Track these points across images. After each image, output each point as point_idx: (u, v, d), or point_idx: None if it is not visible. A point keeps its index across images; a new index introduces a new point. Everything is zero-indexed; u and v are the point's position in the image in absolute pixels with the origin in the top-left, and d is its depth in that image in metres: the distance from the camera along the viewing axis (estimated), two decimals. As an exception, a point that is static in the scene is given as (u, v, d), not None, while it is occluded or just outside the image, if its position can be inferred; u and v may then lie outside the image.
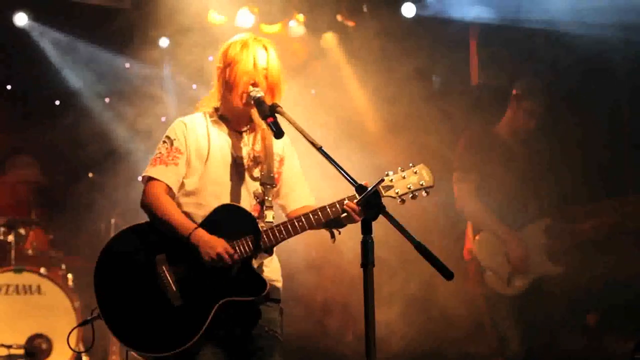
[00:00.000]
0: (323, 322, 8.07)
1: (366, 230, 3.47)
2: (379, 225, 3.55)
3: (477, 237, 7.18)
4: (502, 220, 7.11)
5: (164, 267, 4.18)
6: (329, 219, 4.22)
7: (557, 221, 7.32)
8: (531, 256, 7.10)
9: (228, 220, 4.22)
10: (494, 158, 7.18)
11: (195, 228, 4.17)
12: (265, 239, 4.20)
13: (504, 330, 7.12)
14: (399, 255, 7.05)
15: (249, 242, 4.18)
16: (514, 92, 7.35)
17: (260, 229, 4.22)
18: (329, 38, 8.73)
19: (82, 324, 4.38)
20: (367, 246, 3.43)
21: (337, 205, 4.21)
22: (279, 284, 4.45)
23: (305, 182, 4.61)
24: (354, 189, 3.72)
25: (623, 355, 6.89)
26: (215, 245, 4.12)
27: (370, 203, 3.53)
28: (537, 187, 7.27)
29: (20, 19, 8.62)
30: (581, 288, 7.29)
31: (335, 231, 4.31)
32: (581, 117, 7.77)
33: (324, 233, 4.33)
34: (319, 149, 3.85)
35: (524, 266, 7.06)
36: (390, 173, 4.26)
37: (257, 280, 4.20)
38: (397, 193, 4.23)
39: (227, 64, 4.38)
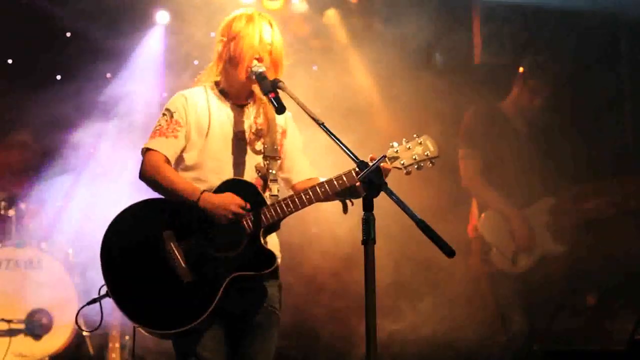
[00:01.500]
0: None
1: (367, 207, 3.45)
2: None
3: (482, 215, 7.17)
4: (507, 198, 7.11)
5: (172, 244, 4.18)
6: (336, 191, 4.21)
7: (561, 200, 7.31)
8: (535, 235, 7.10)
9: (235, 194, 4.20)
10: (500, 136, 7.16)
11: (202, 192, 4.17)
12: (273, 212, 4.20)
13: (507, 309, 7.12)
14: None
15: (256, 216, 4.17)
16: (520, 70, 7.32)
17: (267, 202, 4.23)
18: (331, 15, 8.68)
19: (90, 302, 4.36)
20: (368, 223, 3.41)
21: (344, 178, 4.21)
22: (278, 260, 4.44)
23: (306, 157, 4.62)
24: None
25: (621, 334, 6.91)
26: (227, 204, 4.13)
27: (371, 179, 3.50)
28: (542, 166, 7.25)
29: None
30: (583, 268, 7.29)
31: (348, 202, 4.31)
32: (586, 96, 7.73)
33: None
34: (321, 125, 3.84)
35: (528, 245, 7.06)
36: (395, 144, 4.27)
37: (266, 254, 4.21)
38: (403, 164, 4.24)
39: (232, 38, 4.37)
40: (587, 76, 7.76)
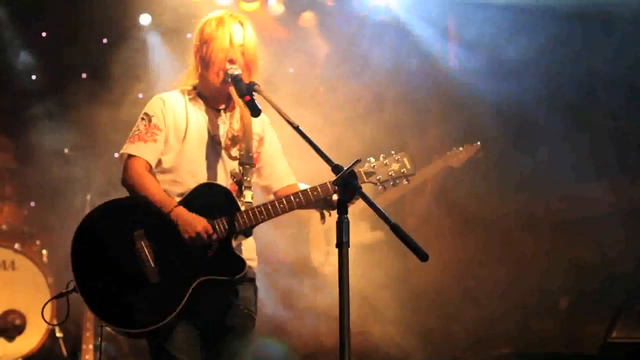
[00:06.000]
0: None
1: (341, 210, 3.46)
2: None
3: None
4: None
5: (142, 243, 4.17)
6: (311, 202, 4.23)
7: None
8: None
9: (209, 198, 4.22)
10: None
11: (176, 205, 4.17)
12: (246, 219, 4.19)
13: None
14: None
15: (229, 222, 4.17)
16: None
17: (241, 208, 4.22)
18: (308, 17, 8.69)
19: (57, 296, 4.36)
20: (342, 226, 3.42)
21: (319, 189, 4.22)
22: (254, 263, 4.46)
23: (285, 162, 4.61)
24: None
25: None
26: (195, 223, 4.11)
27: (346, 183, 3.51)
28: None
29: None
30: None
31: (326, 212, 4.33)
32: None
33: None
34: (296, 128, 3.84)
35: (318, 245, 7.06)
36: (372, 159, 4.29)
37: (236, 259, 4.21)
38: (379, 179, 4.27)
39: (204, 42, 4.36)
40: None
